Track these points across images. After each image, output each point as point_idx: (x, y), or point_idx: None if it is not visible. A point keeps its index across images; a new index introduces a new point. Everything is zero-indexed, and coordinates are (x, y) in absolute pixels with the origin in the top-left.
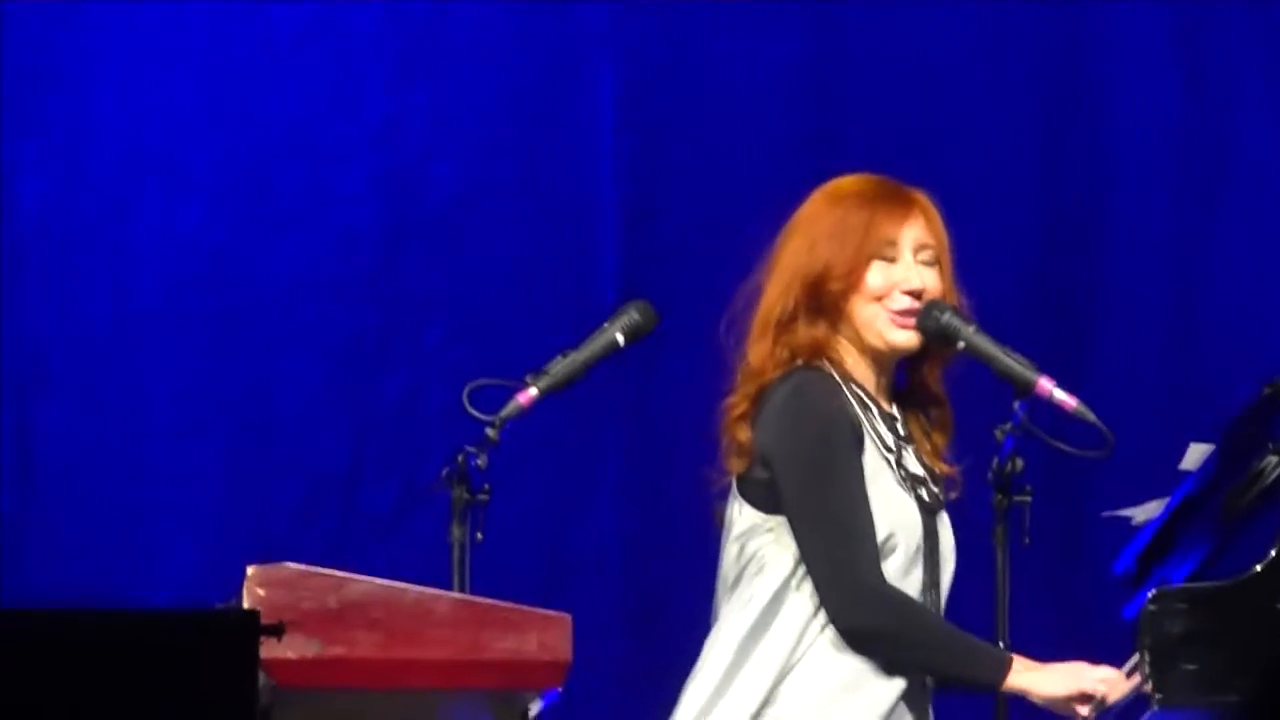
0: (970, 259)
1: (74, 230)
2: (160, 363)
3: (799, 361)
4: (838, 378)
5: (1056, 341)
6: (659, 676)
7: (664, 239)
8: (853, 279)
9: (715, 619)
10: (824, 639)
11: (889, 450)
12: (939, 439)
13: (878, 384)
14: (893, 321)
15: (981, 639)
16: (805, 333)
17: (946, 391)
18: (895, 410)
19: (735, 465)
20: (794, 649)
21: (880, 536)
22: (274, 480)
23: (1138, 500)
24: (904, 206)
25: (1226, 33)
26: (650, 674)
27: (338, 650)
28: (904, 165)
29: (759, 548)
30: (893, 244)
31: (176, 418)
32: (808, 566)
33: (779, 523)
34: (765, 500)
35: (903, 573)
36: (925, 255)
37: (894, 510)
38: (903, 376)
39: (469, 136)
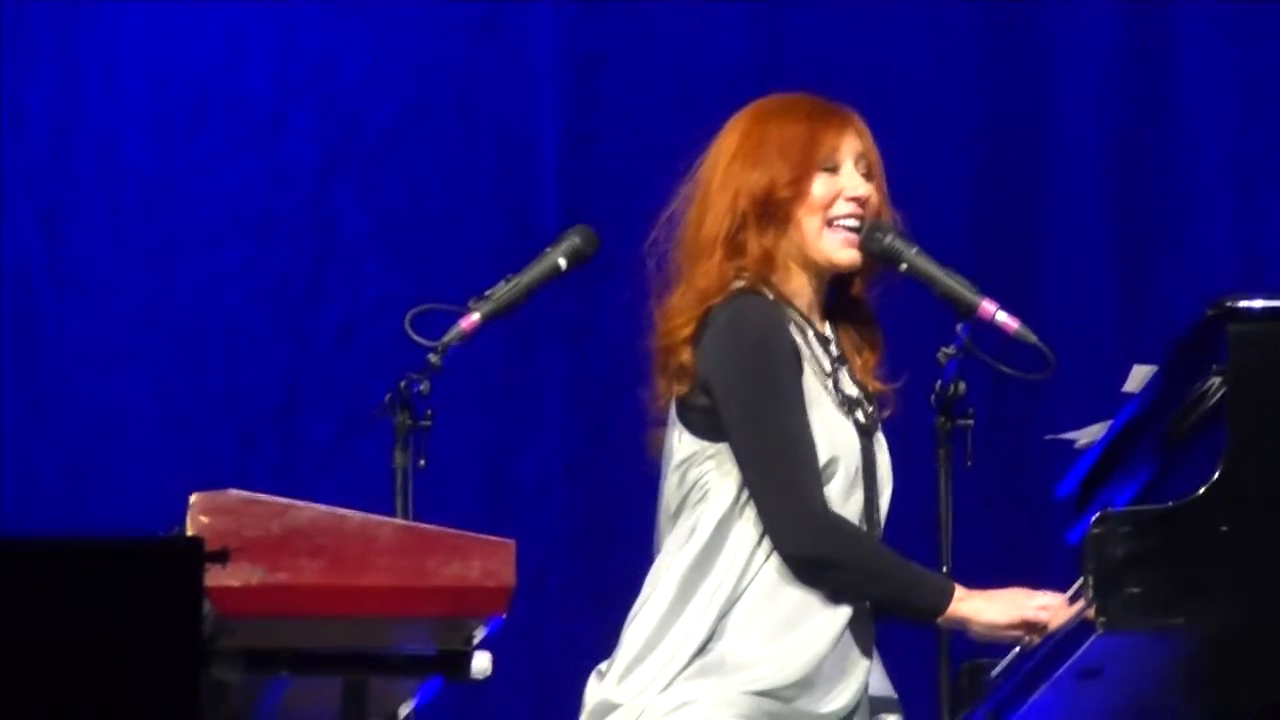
0: (914, 183)
1: (9, 161)
2: (96, 294)
3: (743, 283)
4: (777, 301)
5: (999, 265)
6: (606, 600)
7: (604, 165)
8: (800, 188)
9: (657, 549)
10: (769, 567)
11: (826, 374)
12: (870, 356)
13: (813, 302)
14: (840, 241)
15: (924, 564)
16: (756, 243)
17: (874, 307)
18: (828, 330)
19: (677, 388)
20: (739, 580)
21: (821, 461)
22: (214, 410)
23: (1081, 423)
24: (840, 119)
25: None
26: (597, 597)
27: (281, 577)
28: (846, 90)
29: (701, 475)
30: (834, 153)
31: (114, 348)
32: (752, 494)
33: (720, 449)
34: (706, 427)
35: (843, 497)
36: (862, 166)
37: (834, 434)
38: (832, 293)
39: (406, 66)
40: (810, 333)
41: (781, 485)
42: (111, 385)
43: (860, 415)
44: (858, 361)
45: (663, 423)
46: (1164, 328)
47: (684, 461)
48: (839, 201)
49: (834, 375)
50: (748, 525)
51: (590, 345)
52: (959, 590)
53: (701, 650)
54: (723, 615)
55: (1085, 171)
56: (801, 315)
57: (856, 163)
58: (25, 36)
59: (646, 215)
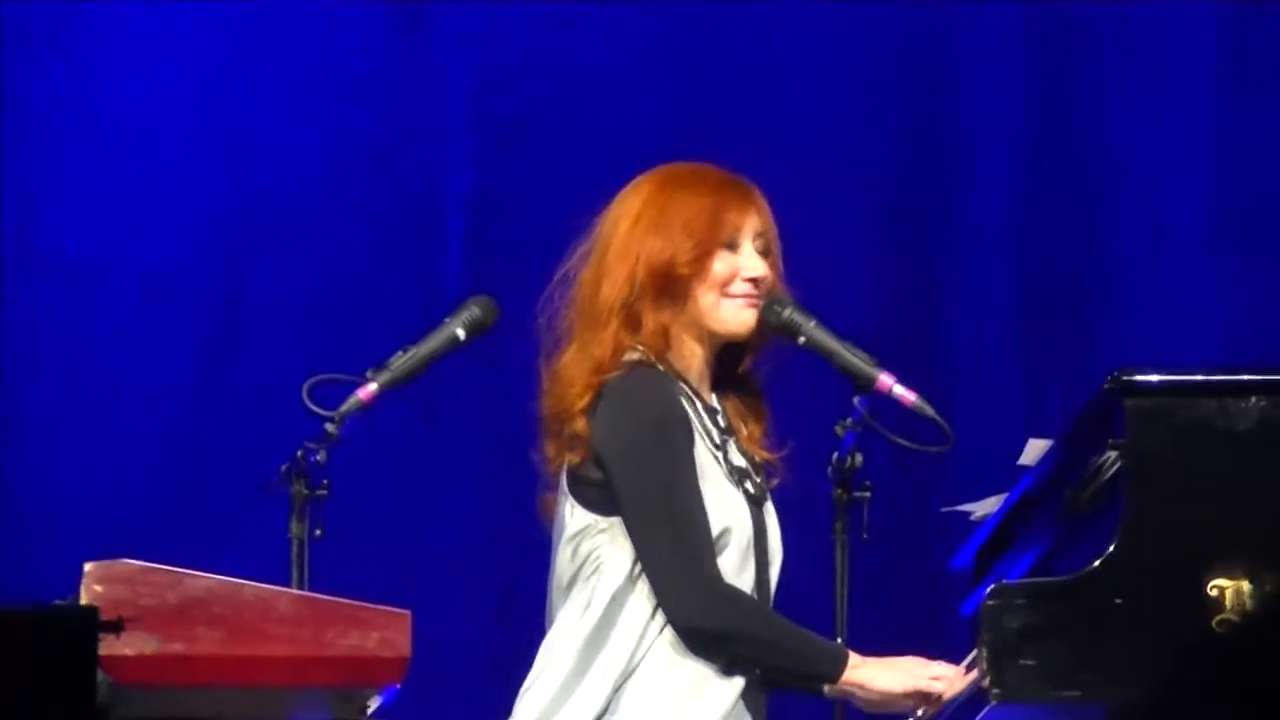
0: (817, 254)
1: None
2: (16, 359)
3: (637, 355)
4: (669, 374)
5: (899, 336)
6: (506, 669)
7: (511, 231)
8: (700, 265)
9: (549, 621)
10: (663, 640)
11: (716, 445)
12: (755, 428)
13: (702, 374)
14: (737, 305)
15: (820, 635)
16: (652, 319)
17: (761, 381)
18: (715, 401)
19: (570, 457)
20: (634, 653)
21: (714, 533)
22: (121, 478)
23: (978, 495)
24: (744, 194)
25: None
26: (497, 666)
27: (177, 647)
28: (751, 161)
29: (594, 548)
30: (736, 232)
31: (20, 414)
32: (645, 567)
33: (613, 523)
34: (599, 501)
35: (737, 569)
36: (760, 244)
37: (726, 506)
38: (719, 365)
39: (317, 130)
40: (699, 404)
41: (676, 558)
42: (16, 451)
43: (749, 486)
44: (744, 432)
45: (552, 487)
46: (1066, 401)
47: (577, 535)
48: (736, 280)
49: (723, 447)
50: (642, 599)
51: (494, 410)
52: (853, 657)
53: None
54: (618, 688)
55: (989, 245)
56: (691, 387)
57: (755, 240)
58: None
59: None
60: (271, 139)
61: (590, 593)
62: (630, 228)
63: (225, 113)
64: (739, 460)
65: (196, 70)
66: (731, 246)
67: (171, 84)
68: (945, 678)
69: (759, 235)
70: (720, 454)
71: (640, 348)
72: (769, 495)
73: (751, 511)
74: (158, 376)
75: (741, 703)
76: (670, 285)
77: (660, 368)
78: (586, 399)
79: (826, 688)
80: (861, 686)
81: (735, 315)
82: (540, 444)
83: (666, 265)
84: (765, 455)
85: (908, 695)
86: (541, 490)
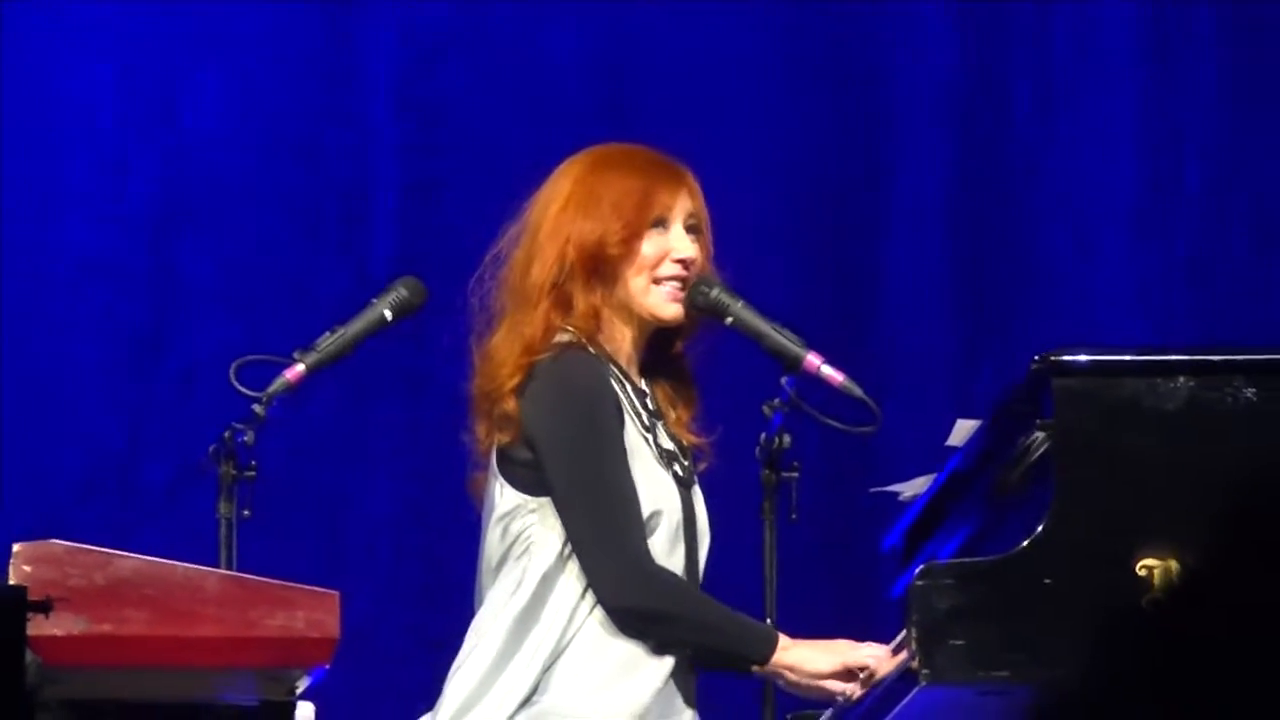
0: (747, 233)
1: None
2: None
3: (568, 336)
4: (599, 356)
5: (830, 317)
6: (435, 650)
7: (442, 213)
8: (630, 246)
9: (479, 601)
10: (593, 621)
11: (646, 428)
12: (684, 412)
13: (632, 357)
14: (666, 295)
15: (750, 616)
16: (583, 300)
17: (691, 364)
18: (644, 384)
19: (499, 436)
20: (564, 633)
21: (645, 514)
22: (53, 459)
23: (908, 476)
24: (676, 176)
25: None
26: (427, 647)
27: (106, 627)
28: (683, 138)
29: (524, 528)
30: (666, 212)
31: None
32: (576, 548)
33: (543, 504)
34: (528, 482)
35: (667, 550)
36: (690, 225)
37: (656, 488)
38: (649, 349)
39: (249, 113)
40: (629, 386)
41: (606, 539)
42: None
43: (678, 468)
44: (673, 416)
45: (482, 467)
46: (994, 382)
47: (506, 515)
48: (665, 262)
49: (652, 429)
50: (572, 579)
51: (424, 391)
52: (783, 639)
53: (527, 702)
54: (548, 668)
55: (918, 228)
56: (620, 369)
57: (685, 221)
58: None
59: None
60: (200, 123)
61: (520, 573)
62: (560, 209)
63: (154, 97)
64: (667, 443)
65: (126, 56)
66: (661, 226)
67: (102, 70)
68: (875, 656)
69: (690, 216)
70: (650, 436)
71: (570, 329)
72: (696, 479)
73: (681, 494)
74: (86, 358)
75: (671, 683)
76: (600, 266)
77: (590, 349)
78: (517, 379)
79: (756, 669)
80: (792, 668)
81: (662, 304)
82: (471, 424)
83: (596, 246)
84: (693, 439)
85: (837, 675)
86: (471, 470)
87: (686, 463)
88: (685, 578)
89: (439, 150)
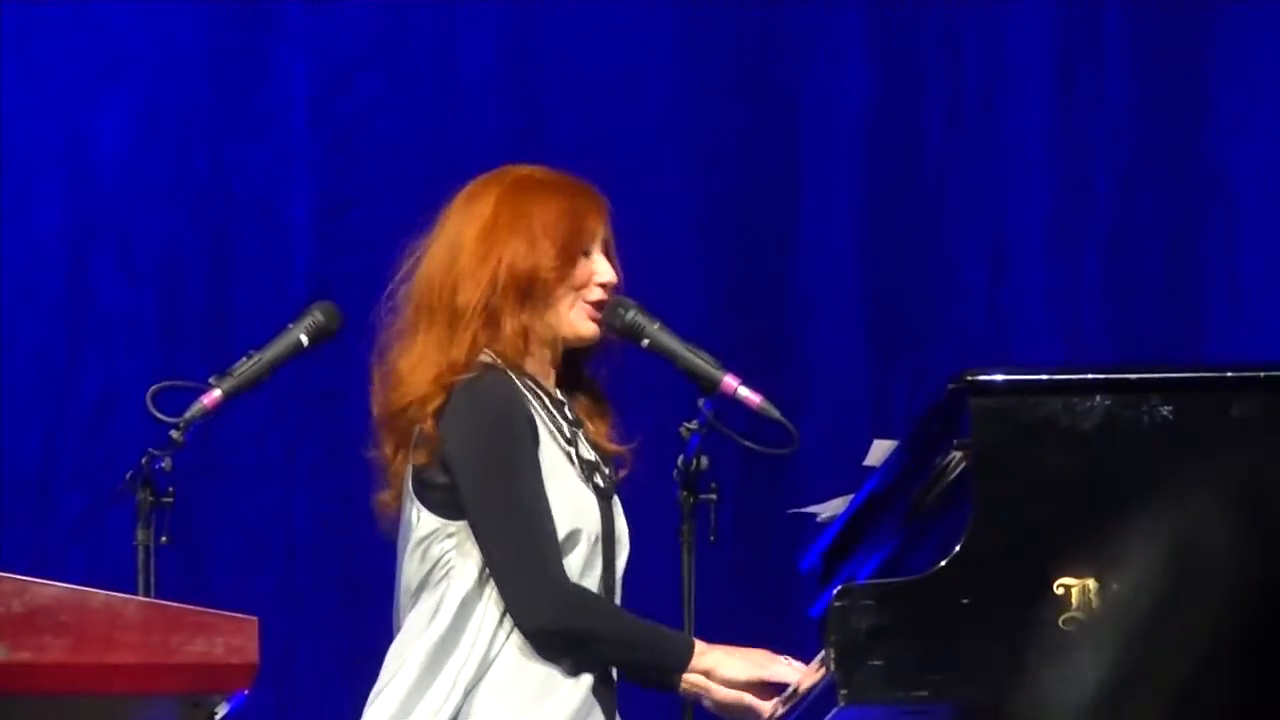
0: (663, 252)
1: None
2: None
3: (488, 359)
4: (514, 374)
5: (747, 338)
6: (356, 672)
7: (357, 232)
8: (564, 271)
9: (397, 626)
10: (512, 644)
11: (567, 440)
12: (601, 424)
13: (549, 373)
14: (586, 315)
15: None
16: (512, 321)
17: (602, 383)
18: (561, 395)
19: (415, 457)
20: (485, 657)
21: (563, 533)
22: None
23: (826, 497)
24: (597, 201)
25: (919, 32)
26: (347, 668)
27: (24, 655)
28: (596, 159)
29: (442, 553)
30: (593, 237)
31: None
32: (493, 572)
33: (460, 527)
34: (444, 505)
35: (583, 567)
36: (608, 248)
37: (576, 505)
38: (561, 365)
39: (160, 134)
40: (548, 400)
41: (522, 562)
42: None
43: (599, 479)
44: (591, 427)
45: (388, 486)
46: (915, 396)
47: (425, 539)
48: (591, 286)
49: (574, 441)
50: (491, 604)
51: (342, 412)
52: (699, 645)
53: None
54: (469, 692)
55: (837, 237)
56: (539, 385)
57: (604, 247)
58: None
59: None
60: (114, 142)
61: (439, 598)
62: (486, 231)
63: (68, 115)
64: (589, 454)
65: (37, 73)
66: (588, 252)
67: (12, 88)
68: (792, 669)
69: (605, 241)
70: (572, 450)
71: (491, 351)
72: (616, 489)
73: (600, 506)
74: (8, 389)
75: (591, 697)
76: (533, 288)
77: (509, 372)
78: (439, 400)
79: (679, 686)
80: (708, 672)
81: (582, 323)
82: (378, 442)
83: (531, 269)
84: (613, 448)
85: (752, 683)
86: (378, 489)
87: (608, 471)
88: (603, 592)
89: (353, 168)
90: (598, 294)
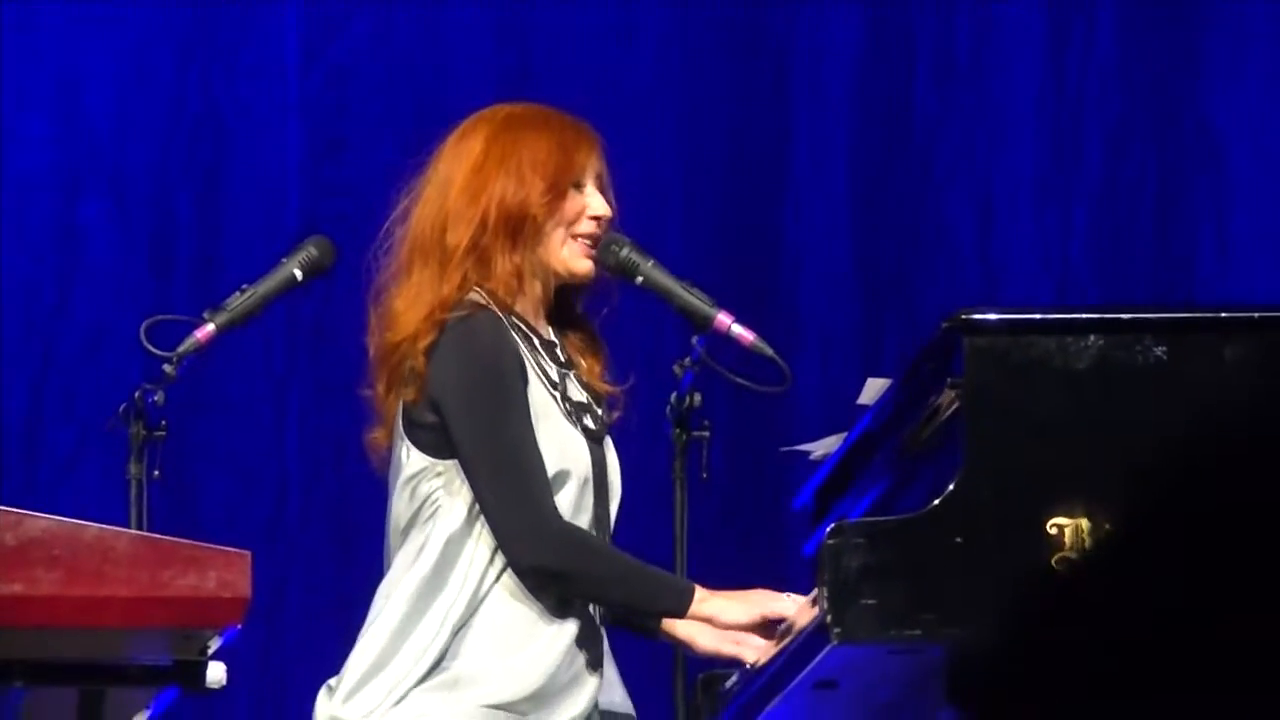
0: (656, 192)
1: None
2: None
3: (478, 298)
4: (502, 314)
5: (740, 276)
6: (347, 609)
7: (349, 171)
8: (554, 206)
9: (387, 564)
10: (501, 585)
11: (553, 384)
12: (594, 362)
13: (540, 310)
14: (580, 252)
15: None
16: (503, 259)
17: (595, 321)
18: (553, 335)
19: (405, 393)
20: (473, 596)
21: (551, 472)
22: None
23: (818, 435)
24: (588, 136)
25: None
26: (337, 606)
27: (16, 588)
28: (590, 98)
29: (430, 491)
30: (583, 171)
31: None
32: (483, 509)
33: (449, 466)
34: (434, 444)
35: (574, 507)
36: (601, 182)
37: (563, 445)
38: (554, 303)
39: (153, 75)
40: (537, 341)
41: (514, 499)
42: None
43: (589, 420)
44: (583, 365)
45: (381, 423)
46: (905, 340)
47: (413, 477)
48: (583, 219)
49: (562, 384)
50: (479, 543)
51: (331, 350)
52: (700, 590)
53: (435, 668)
54: (456, 633)
55: (828, 186)
56: (528, 325)
57: (597, 181)
58: None
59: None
60: (105, 81)
61: (426, 536)
62: (475, 168)
63: (59, 55)
64: (578, 395)
65: (29, 13)
66: (578, 186)
67: (3, 29)
68: (794, 604)
69: (599, 175)
70: (558, 393)
71: (482, 289)
72: (609, 430)
73: (590, 448)
74: None
75: (581, 640)
76: (523, 225)
77: (498, 311)
78: (430, 338)
79: (669, 630)
80: (710, 619)
81: (576, 260)
82: (371, 380)
83: (521, 205)
84: (605, 389)
85: (755, 626)
86: (370, 427)
87: (600, 412)
88: (595, 533)
89: (345, 108)
90: (589, 227)
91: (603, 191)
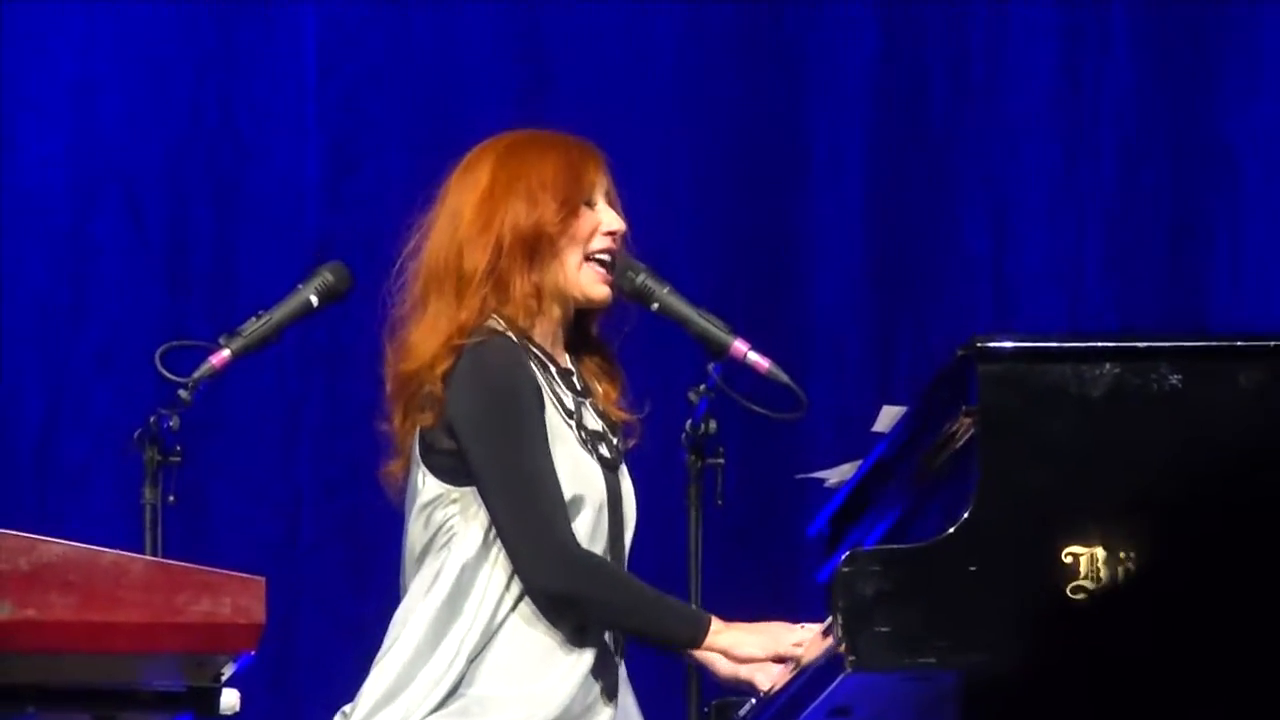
0: (671, 215)
1: None
2: None
3: (496, 324)
4: (519, 341)
5: (754, 302)
6: (360, 636)
7: (366, 191)
8: (568, 224)
9: (403, 590)
10: (517, 613)
11: (569, 411)
12: (610, 389)
13: (556, 337)
14: (597, 277)
15: (678, 599)
16: (524, 281)
17: (611, 344)
18: (570, 363)
19: (422, 419)
20: (487, 625)
21: (566, 498)
22: None
23: (833, 462)
24: (593, 153)
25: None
26: (350, 633)
27: (30, 613)
28: (605, 120)
29: (446, 518)
30: (593, 188)
31: None
32: (500, 535)
33: (465, 493)
34: (450, 471)
35: (589, 534)
36: (611, 198)
37: (578, 472)
38: (570, 328)
39: (171, 91)
40: (553, 368)
41: (530, 524)
42: None
43: (605, 449)
44: (600, 391)
45: (398, 455)
46: (918, 355)
47: (429, 504)
48: (598, 236)
49: (577, 412)
50: (496, 569)
51: (345, 372)
52: (716, 622)
53: (450, 696)
54: (473, 660)
55: (843, 212)
56: (545, 352)
57: (607, 197)
58: None
59: (406, 242)
60: (121, 97)
61: (441, 563)
62: (486, 196)
63: (74, 67)
64: (594, 423)
65: (43, 22)
66: (589, 204)
67: (17, 37)
68: (805, 641)
69: (607, 192)
70: (573, 420)
71: (500, 317)
72: (624, 458)
73: (605, 476)
74: (9, 340)
75: (597, 668)
76: (539, 244)
77: (514, 337)
78: (447, 363)
79: (688, 653)
80: (725, 651)
81: (593, 285)
82: (388, 412)
83: (535, 226)
84: (622, 416)
85: (769, 660)
86: (386, 459)
87: (615, 440)
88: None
89: (362, 126)
90: (604, 242)
91: (613, 207)
